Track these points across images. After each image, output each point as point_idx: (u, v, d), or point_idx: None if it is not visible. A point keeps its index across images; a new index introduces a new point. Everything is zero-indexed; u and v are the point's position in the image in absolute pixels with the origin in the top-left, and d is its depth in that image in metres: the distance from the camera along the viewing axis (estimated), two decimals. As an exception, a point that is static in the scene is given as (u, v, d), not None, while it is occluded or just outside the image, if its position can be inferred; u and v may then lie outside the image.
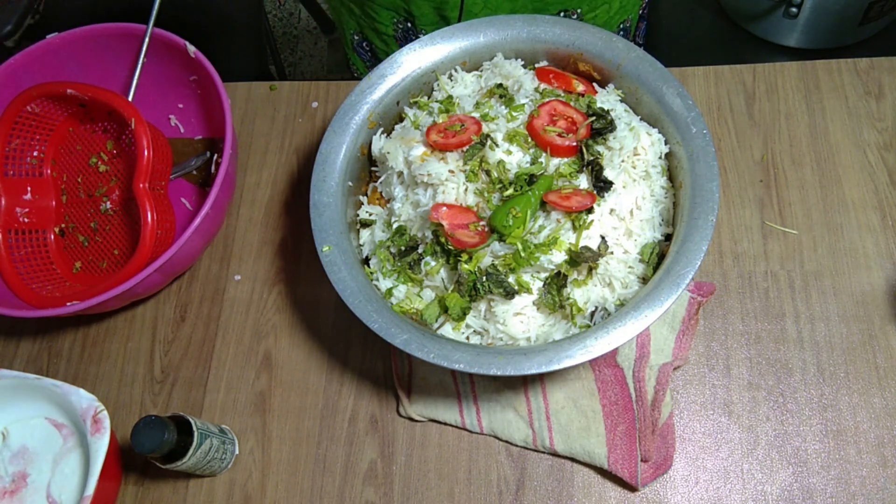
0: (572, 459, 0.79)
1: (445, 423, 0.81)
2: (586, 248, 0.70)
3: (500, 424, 0.80)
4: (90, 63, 0.93)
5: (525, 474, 0.79)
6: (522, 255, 0.70)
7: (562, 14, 0.95)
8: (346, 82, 1.00)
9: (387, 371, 0.84)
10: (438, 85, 0.83)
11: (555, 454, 0.79)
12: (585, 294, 0.71)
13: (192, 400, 0.85)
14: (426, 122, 0.80)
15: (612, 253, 0.71)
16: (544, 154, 0.74)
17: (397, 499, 0.79)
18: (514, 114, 0.77)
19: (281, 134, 0.98)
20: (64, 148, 0.94)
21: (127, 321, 0.90)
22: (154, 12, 0.88)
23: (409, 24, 0.98)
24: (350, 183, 0.79)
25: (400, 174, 0.79)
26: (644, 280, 0.73)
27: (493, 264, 0.71)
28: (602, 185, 0.72)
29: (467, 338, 0.73)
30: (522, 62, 0.82)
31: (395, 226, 0.77)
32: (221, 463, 0.79)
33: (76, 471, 0.79)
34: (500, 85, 0.80)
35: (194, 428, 0.73)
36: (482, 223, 0.73)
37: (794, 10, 1.16)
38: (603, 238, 0.71)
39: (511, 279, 0.71)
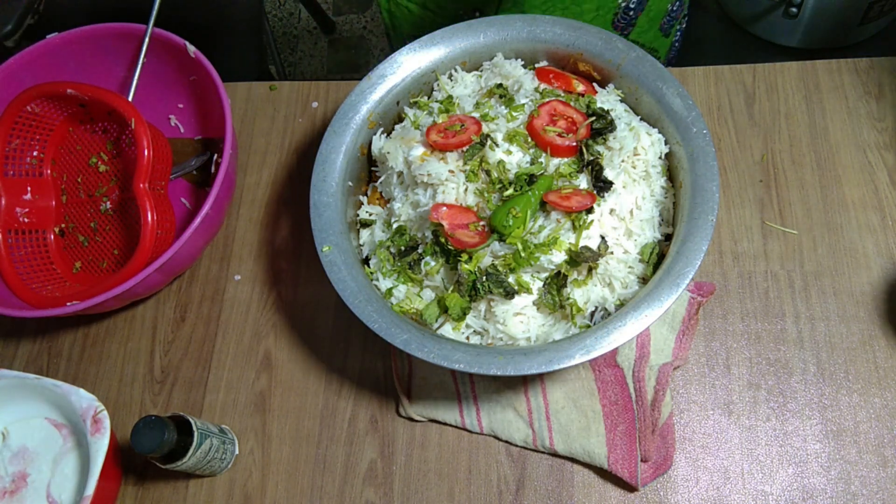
0: (572, 459, 0.79)
1: (445, 423, 0.81)
2: (586, 248, 0.70)
3: (500, 424, 0.80)
4: (90, 63, 0.93)
5: (525, 474, 0.79)
6: (522, 255, 0.70)
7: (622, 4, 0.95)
8: (346, 82, 1.00)
9: (387, 371, 0.84)
10: (438, 85, 0.83)
11: (555, 454, 0.79)
12: (585, 294, 0.71)
13: (192, 400, 0.85)
14: (426, 122, 0.80)
15: (612, 253, 0.71)
16: (544, 154, 0.74)
17: (397, 499, 0.79)
18: (514, 114, 0.77)
19: (281, 134, 0.98)
20: (64, 148, 0.94)
21: (127, 321, 0.90)
22: (154, 12, 0.88)
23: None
24: (350, 183, 0.79)
25: (400, 174, 0.79)
26: (644, 280, 0.73)
27: (493, 264, 0.71)
28: (602, 185, 0.72)
29: (467, 338, 0.73)
30: (522, 62, 0.83)
31: (395, 226, 0.77)
32: (221, 463, 0.79)
33: (76, 471, 0.79)
34: (500, 85, 0.80)
35: (194, 428, 0.73)
36: (482, 223, 0.73)
37: (794, 10, 1.16)
38: (603, 238, 0.71)
39: (511, 279, 0.71)
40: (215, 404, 0.85)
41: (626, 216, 0.73)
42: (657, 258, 0.73)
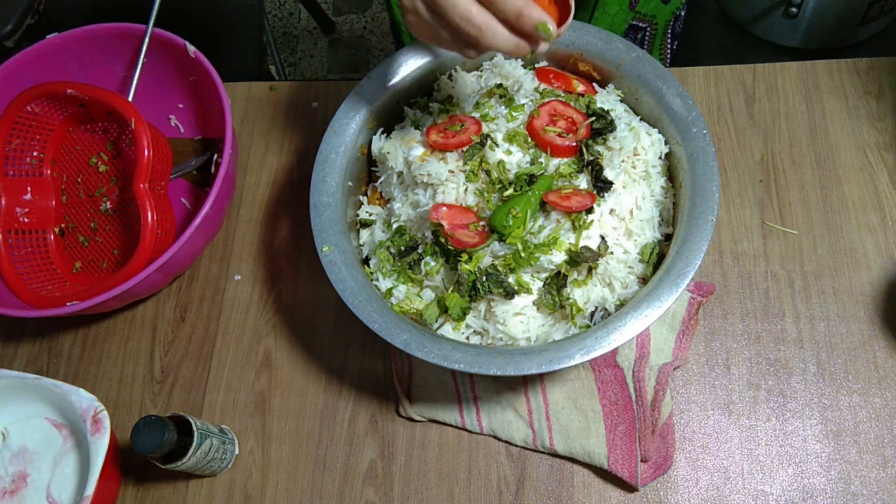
0: (572, 459, 0.79)
1: (445, 424, 0.81)
2: (586, 248, 0.70)
3: (500, 424, 0.80)
4: (90, 63, 0.93)
5: (525, 474, 0.79)
6: (522, 255, 0.70)
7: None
8: (346, 82, 1.00)
9: (387, 371, 0.84)
10: (438, 85, 0.83)
11: (555, 454, 0.79)
12: (585, 294, 0.71)
13: (192, 400, 0.85)
14: (426, 122, 0.80)
15: (612, 253, 0.71)
16: (544, 154, 0.74)
17: (397, 499, 0.79)
18: (514, 114, 0.77)
19: (281, 134, 0.98)
20: (64, 148, 0.94)
21: (127, 321, 0.90)
22: (154, 12, 0.88)
23: None
24: (350, 183, 0.79)
25: (400, 174, 0.79)
26: (644, 280, 0.73)
27: (493, 264, 0.71)
28: (602, 185, 0.72)
29: (467, 338, 0.73)
30: (522, 62, 0.82)
31: (394, 226, 0.77)
32: (221, 463, 0.79)
33: (76, 471, 0.79)
34: (500, 85, 0.80)
35: (194, 428, 0.73)
36: (482, 223, 0.73)
37: (794, 10, 1.16)
38: (603, 238, 0.71)
39: (511, 279, 0.71)
40: (215, 404, 0.85)
41: (626, 216, 0.73)
42: (657, 258, 0.73)
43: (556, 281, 0.71)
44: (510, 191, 0.72)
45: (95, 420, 0.75)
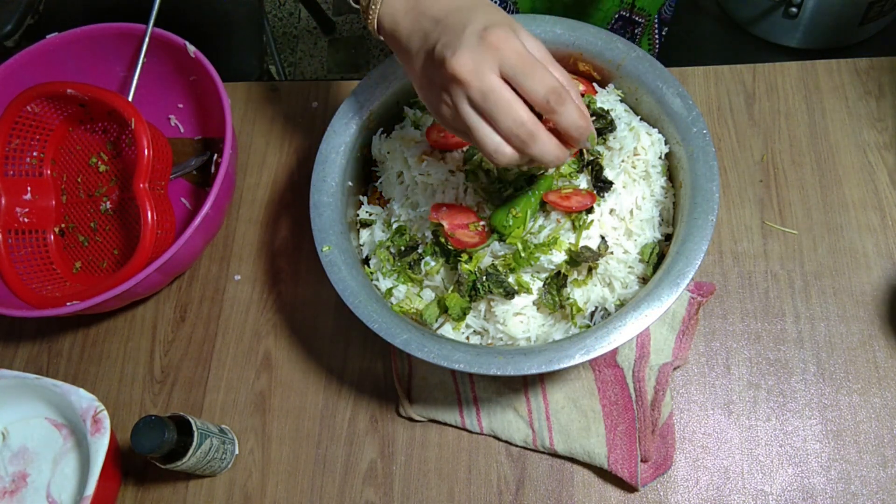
0: (572, 459, 0.79)
1: (445, 424, 0.81)
2: (586, 248, 0.70)
3: (500, 424, 0.80)
4: (90, 63, 0.93)
5: (525, 474, 0.79)
6: (522, 255, 0.70)
7: None
8: (346, 82, 1.00)
9: (387, 371, 0.84)
10: (438, 85, 0.83)
11: (555, 454, 0.79)
12: (585, 294, 0.71)
13: (192, 400, 0.85)
14: (426, 122, 0.80)
15: (612, 253, 0.71)
16: (544, 154, 0.74)
17: (397, 499, 0.79)
18: (514, 114, 0.77)
19: (281, 134, 0.98)
20: (64, 148, 0.94)
21: (127, 321, 0.90)
22: (154, 12, 0.88)
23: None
24: (350, 183, 0.79)
25: (400, 174, 0.79)
26: (644, 280, 0.73)
27: (493, 264, 0.71)
28: (602, 185, 0.72)
29: (467, 338, 0.73)
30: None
31: (394, 226, 0.77)
32: (221, 463, 0.79)
33: (76, 471, 0.79)
34: (500, 85, 0.80)
35: (194, 428, 0.73)
36: (482, 223, 0.73)
37: (794, 10, 1.16)
38: (603, 238, 0.71)
39: (511, 279, 0.71)
40: (215, 404, 0.85)
41: (626, 216, 0.73)
42: (657, 258, 0.73)
43: (556, 281, 0.70)
44: (510, 191, 0.72)
45: (95, 420, 0.75)
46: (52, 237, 0.92)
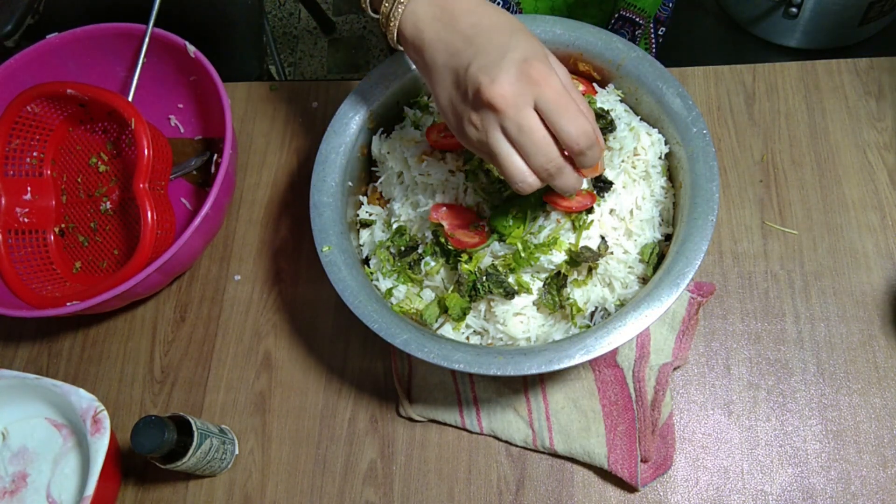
0: (572, 459, 0.79)
1: (445, 424, 0.81)
2: (586, 248, 0.70)
3: (500, 425, 0.80)
4: (90, 63, 0.93)
5: (525, 474, 0.79)
6: (522, 255, 0.70)
7: None
8: (346, 82, 1.00)
9: (387, 371, 0.84)
10: (438, 85, 0.83)
11: (555, 454, 0.79)
12: (585, 294, 0.71)
13: (192, 400, 0.85)
14: (426, 122, 0.80)
15: (612, 253, 0.71)
16: (544, 154, 0.74)
17: (397, 499, 0.79)
18: (514, 114, 0.77)
19: (281, 134, 0.98)
20: (64, 148, 0.94)
21: (127, 321, 0.90)
22: (154, 12, 0.88)
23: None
24: (350, 183, 0.79)
25: (400, 174, 0.79)
26: (644, 280, 0.73)
27: (493, 264, 0.71)
28: (602, 185, 0.72)
29: (467, 338, 0.73)
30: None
31: (394, 226, 0.77)
32: (221, 463, 0.79)
33: (76, 471, 0.79)
34: (500, 85, 0.80)
35: (194, 428, 0.73)
36: (482, 223, 0.73)
37: (794, 10, 1.16)
38: (603, 238, 0.71)
39: (511, 279, 0.71)
40: (215, 404, 0.85)
41: (626, 216, 0.73)
42: (657, 258, 0.73)
43: (556, 281, 0.71)
44: (510, 191, 0.72)
45: (95, 420, 0.75)
46: (52, 237, 0.92)
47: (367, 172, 0.83)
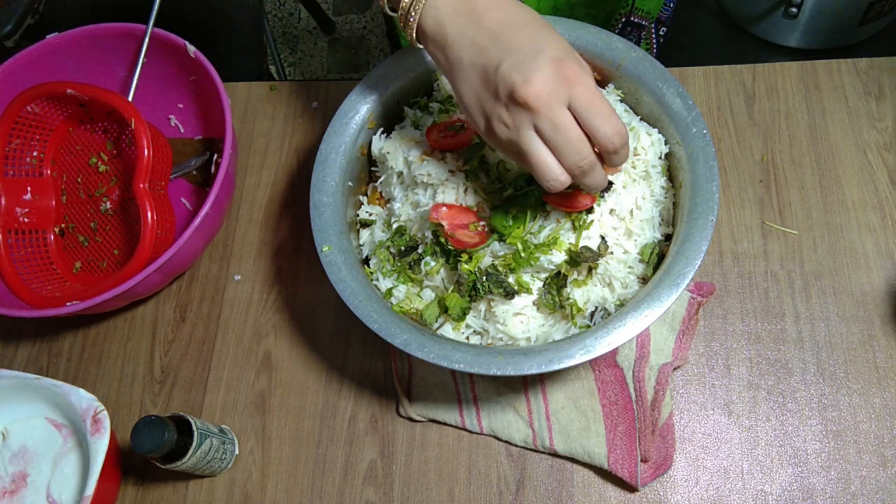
0: (572, 459, 0.79)
1: (445, 424, 0.81)
2: (586, 248, 0.70)
3: (500, 424, 0.80)
4: (90, 63, 0.93)
5: (525, 474, 0.79)
6: (522, 255, 0.70)
7: None
8: (346, 82, 1.00)
9: (387, 371, 0.84)
10: (438, 85, 0.83)
11: (555, 454, 0.79)
12: (585, 294, 0.71)
13: (192, 400, 0.85)
14: (426, 122, 0.80)
15: (612, 253, 0.71)
16: (544, 154, 0.74)
17: (397, 499, 0.79)
18: (514, 114, 0.77)
19: (281, 134, 0.98)
20: (64, 148, 0.94)
21: (127, 321, 0.90)
22: (154, 12, 0.88)
23: None
24: (350, 183, 0.79)
25: (400, 174, 0.79)
26: (644, 280, 0.73)
27: (493, 264, 0.71)
28: (602, 185, 0.72)
29: (467, 338, 0.73)
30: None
31: (394, 226, 0.77)
32: (221, 463, 0.79)
33: (76, 471, 0.79)
34: (500, 85, 0.80)
35: (194, 428, 0.73)
36: (482, 223, 0.73)
37: (794, 10, 1.16)
38: (603, 238, 0.71)
39: (511, 279, 0.71)
40: (215, 404, 0.85)
41: (626, 216, 0.73)
42: (657, 258, 0.73)
43: (556, 281, 0.71)
44: (510, 191, 0.72)
45: (95, 420, 0.75)
46: (52, 237, 0.92)
47: (367, 172, 0.83)
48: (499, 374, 0.66)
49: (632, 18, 1.01)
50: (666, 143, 0.76)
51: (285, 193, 0.95)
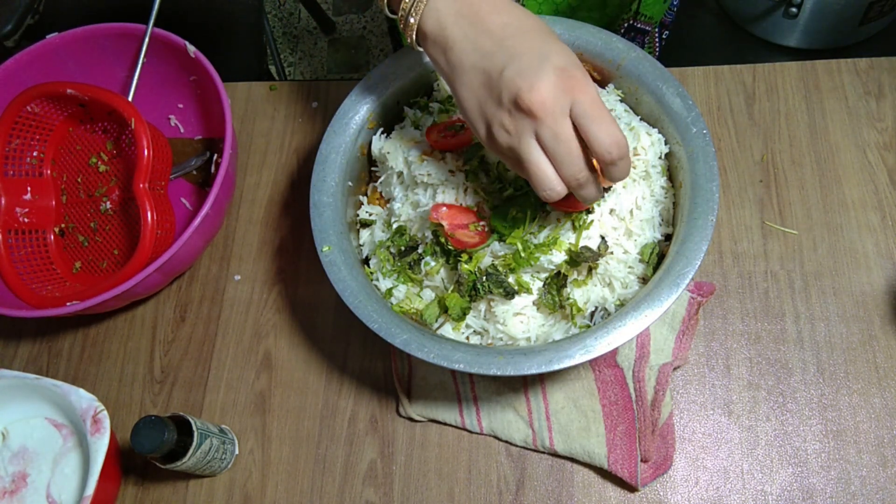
0: (572, 459, 0.79)
1: (445, 424, 0.81)
2: (586, 248, 0.70)
3: (500, 424, 0.80)
4: (90, 63, 0.93)
5: (525, 474, 0.79)
6: (522, 255, 0.70)
7: None
8: (346, 82, 1.00)
9: (387, 371, 0.84)
10: (438, 85, 0.83)
11: (555, 454, 0.79)
12: (585, 294, 0.71)
13: (192, 400, 0.85)
14: (426, 122, 0.80)
15: (612, 253, 0.71)
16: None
17: (397, 499, 0.79)
18: (514, 114, 0.77)
19: (281, 134, 0.98)
20: (64, 148, 0.94)
21: (127, 321, 0.90)
22: (154, 12, 0.88)
23: None
24: (350, 183, 0.79)
25: (400, 174, 0.79)
26: (644, 280, 0.73)
27: (493, 264, 0.71)
28: (602, 186, 0.72)
29: (467, 338, 0.73)
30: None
31: (395, 226, 0.77)
32: (221, 463, 0.79)
33: (76, 471, 0.79)
34: (500, 85, 0.80)
35: (194, 428, 0.73)
36: (482, 223, 0.73)
37: (794, 10, 1.16)
38: (603, 238, 0.71)
39: (511, 279, 0.71)
40: (215, 404, 0.85)
41: (626, 216, 0.73)
42: (657, 258, 0.73)
43: (556, 281, 0.71)
44: (510, 191, 0.72)
45: (95, 420, 0.75)
46: (52, 237, 0.92)
47: (367, 172, 0.83)
48: (499, 374, 0.66)
49: (635, 24, 1.01)
50: (666, 143, 0.76)
51: (285, 193, 0.95)
